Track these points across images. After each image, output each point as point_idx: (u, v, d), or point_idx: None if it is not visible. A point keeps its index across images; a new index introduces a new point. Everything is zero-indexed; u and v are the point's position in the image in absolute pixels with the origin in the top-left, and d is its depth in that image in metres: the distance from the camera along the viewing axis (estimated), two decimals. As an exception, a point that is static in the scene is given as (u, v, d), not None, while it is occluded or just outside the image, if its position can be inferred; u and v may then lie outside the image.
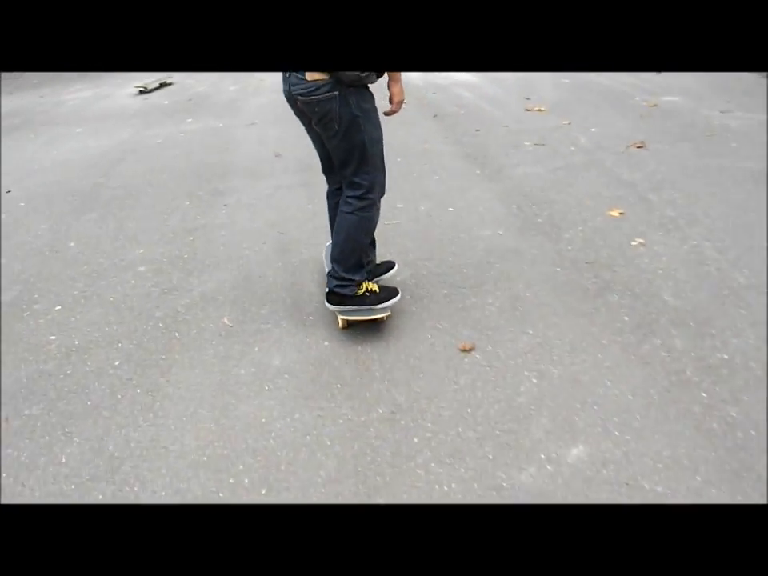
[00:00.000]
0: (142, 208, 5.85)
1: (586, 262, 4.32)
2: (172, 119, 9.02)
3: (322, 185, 4.07)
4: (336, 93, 3.13)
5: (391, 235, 4.87)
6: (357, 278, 3.61)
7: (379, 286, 3.76)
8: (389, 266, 4.17)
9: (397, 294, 3.73)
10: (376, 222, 3.59)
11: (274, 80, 10.96)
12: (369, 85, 3.27)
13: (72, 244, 5.27)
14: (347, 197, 3.50)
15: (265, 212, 5.50)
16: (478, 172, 5.99)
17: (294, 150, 7.02)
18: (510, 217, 5.04)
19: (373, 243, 3.90)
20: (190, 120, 8.87)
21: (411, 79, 10.10)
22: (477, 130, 7.26)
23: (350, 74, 3.08)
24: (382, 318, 3.73)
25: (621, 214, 4.99)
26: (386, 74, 3.34)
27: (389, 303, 3.69)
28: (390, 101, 3.36)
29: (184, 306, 4.19)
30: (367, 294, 3.66)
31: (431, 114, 8.07)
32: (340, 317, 3.72)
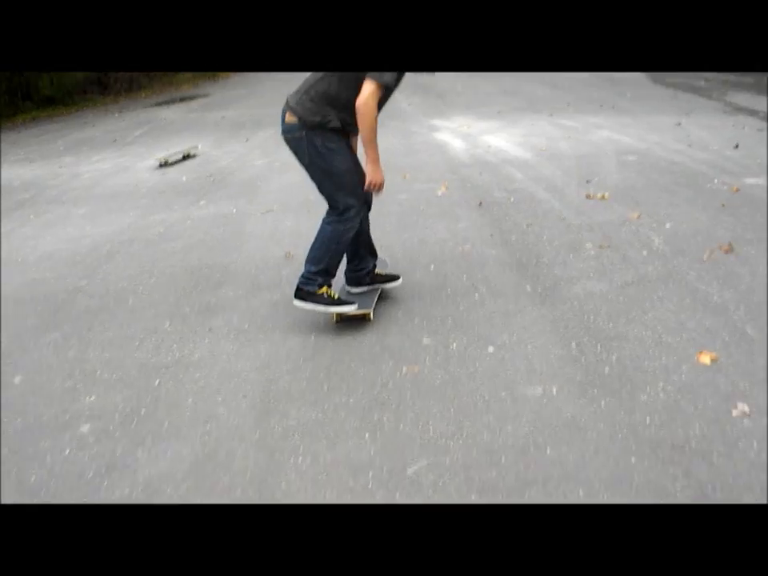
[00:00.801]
0: (114, 327, 4.81)
1: (672, 446, 3.11)
2: (184, 201, 8.04)
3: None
4: (303, 133, 3.95)
5: (410, 390, 3.72)
6: (320, 279, 4.23)
7: (339, 297, 4.37)
8: (391, 277, 4.76)
9: (351, 305, 4.34)
10: (349, 237, 4.20)
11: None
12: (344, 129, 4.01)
13: (17, 380, 4.25)
14: (327, 212, 4.22)
15: (256, 343, 4.40)
16: (529, 289, 4.82)
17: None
18: (568, 363, 3.85)
19: (373, 253, 4.66)
20: (202, 203, 7.88)
21: (457, 155, 9.02)
22: (528, 225, 6.12)
23: (312, 119, 3.91)
24: (368, 315, 4.47)
25: (713, 359, 3.78)
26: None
27: (339, 309, 4.31)
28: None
29: (118, 500, 3.08)
30: (325, 296, 4.26)
31: (476, 201, 6.94)
32: (330, 310, 4.32)
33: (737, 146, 8.68)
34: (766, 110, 11.16)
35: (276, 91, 17.51)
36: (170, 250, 6.36)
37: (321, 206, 4.39)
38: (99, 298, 5.38)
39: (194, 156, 10.56)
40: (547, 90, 14.35)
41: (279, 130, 4.09)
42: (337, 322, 4.48)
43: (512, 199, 6.91)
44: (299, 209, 7.17)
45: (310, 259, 4.23)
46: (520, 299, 4.67)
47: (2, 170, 11.35)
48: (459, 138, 10.03)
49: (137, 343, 4.54)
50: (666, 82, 14.94)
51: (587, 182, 7.34)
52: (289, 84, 5.03)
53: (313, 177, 4.14)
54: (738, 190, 6.73)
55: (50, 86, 21.03)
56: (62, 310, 5.23)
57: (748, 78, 15.22)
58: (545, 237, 5.81)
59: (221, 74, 25.15)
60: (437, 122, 11.49)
